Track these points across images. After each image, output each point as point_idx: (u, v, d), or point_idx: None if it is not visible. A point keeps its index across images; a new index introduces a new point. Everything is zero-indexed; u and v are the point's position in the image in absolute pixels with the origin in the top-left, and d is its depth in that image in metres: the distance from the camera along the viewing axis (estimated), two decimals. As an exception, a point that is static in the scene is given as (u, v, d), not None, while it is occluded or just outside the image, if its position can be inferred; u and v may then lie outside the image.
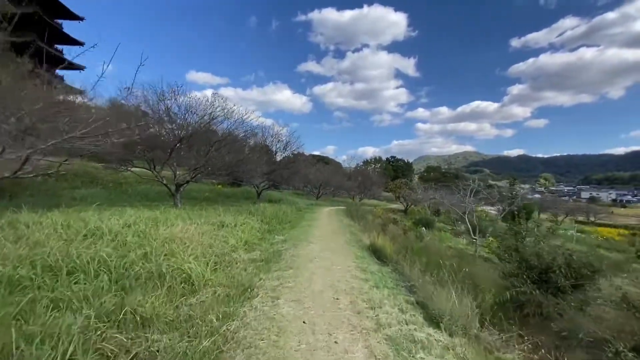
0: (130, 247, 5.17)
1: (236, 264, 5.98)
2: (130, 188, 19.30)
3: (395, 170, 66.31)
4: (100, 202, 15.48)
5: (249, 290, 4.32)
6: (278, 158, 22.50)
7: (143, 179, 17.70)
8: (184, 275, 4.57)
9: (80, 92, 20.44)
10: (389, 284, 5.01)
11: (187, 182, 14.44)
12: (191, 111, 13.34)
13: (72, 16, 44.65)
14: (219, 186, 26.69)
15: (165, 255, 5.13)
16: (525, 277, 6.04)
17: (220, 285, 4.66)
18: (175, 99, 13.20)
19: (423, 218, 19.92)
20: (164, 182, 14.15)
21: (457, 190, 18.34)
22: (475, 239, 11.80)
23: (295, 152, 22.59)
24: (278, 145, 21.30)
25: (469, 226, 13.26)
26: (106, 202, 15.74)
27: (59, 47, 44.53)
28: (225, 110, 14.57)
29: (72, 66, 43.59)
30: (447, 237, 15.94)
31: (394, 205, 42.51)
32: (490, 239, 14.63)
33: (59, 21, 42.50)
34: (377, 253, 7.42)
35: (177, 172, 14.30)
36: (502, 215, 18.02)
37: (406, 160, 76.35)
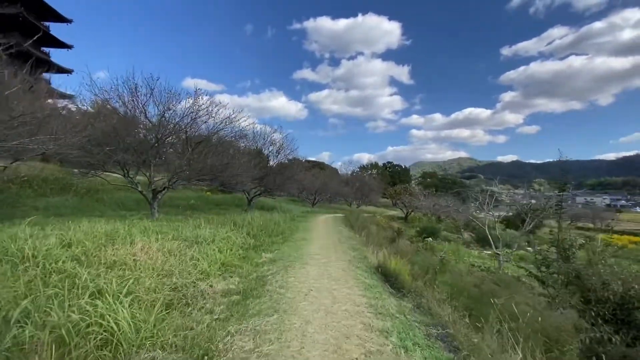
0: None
1: (202, 300, 4.34)
2: (106, 196, 17.48)
3: (392, 175, 65.00)
4: (65, 212, 13.76)
5: (205, 361, 2.71)
6: (271, 163, 20.89)
7: (120, 186, 15.93)
8: (105, 333, 2.92)
9: (66, 96, 18.66)
10: (419, 338, 3.40)
11: (165, 188, 12.72)
12: (170, 108, 11.71)
13: (60, 18, 43.05)
14: (208, 193, 24.93)
15: (90, 296, 3.48)
16: (595, 314, 4.46)
17: (165, 346, 3.01)
18: (152, 95, 11.58)
19: (428, 227, 18.40)
20: (139, 189, 12.42)
21: (468, 197, 16.87)
22: (499, 254, 10.23)
23: (290, 158, 21.00)
24: (271, 149, 19.70)
25: (490, 238, 11.70)
26: (73, 212, 13.96)
27: (46, 49, 42.86)
28: (209, 110, 12.98)
29: (61, 70, 41.95)
30: (462, 251, 14.33)
31: (392, 212, 40.98)
32: (515, 253, 13.14)
33: (47, 24, 40.94)
34: (389, 278, 5.81)
35: (154, 178, 12.58)
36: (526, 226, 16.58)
37: (403, 166, 75.23)
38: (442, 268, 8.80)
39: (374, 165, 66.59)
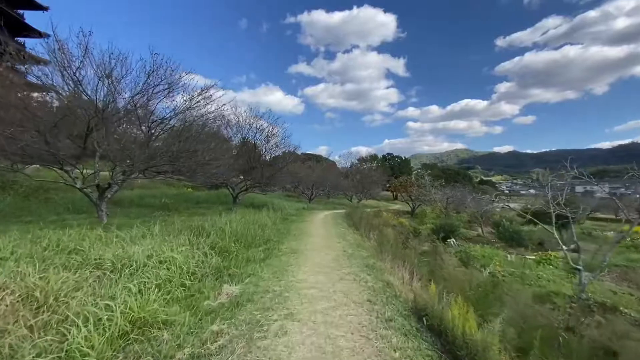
0: None
1: None
2: (58, 195, 14.46)
3: (392, 167, 62.22)
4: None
5: None
6: (263, 153, 17.89)
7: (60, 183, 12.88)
8: None
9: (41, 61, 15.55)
10: None
11: (110, 184, 9.73)
12: (111, 76, 8.65)
13: (35, 6, 39.31)
14: (189, 189, 21.91)
15: None
16: None
17: None
18: (87, 57, 8.50)
19: (445, 223, 15.60)
20: (78, 185, 9.43)
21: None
22: (580, 269, 7.37)
23: (283, 149, 17.97)
24: (258, 137, 16.68)
25: (576, 240, 8.78)
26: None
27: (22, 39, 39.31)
28: (171, 82, 9.96)
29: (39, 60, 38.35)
30: (500, 257, 11.38)
31: (396, 206, 38.22)
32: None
33: (20, 11, 37.31)
34: (439, 332, 2.99)
35: (98, 170, 9.58)
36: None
37: (403, 157, 72.32)
38: (495, 292, 5.97)
39: (373, 157, 63.63)
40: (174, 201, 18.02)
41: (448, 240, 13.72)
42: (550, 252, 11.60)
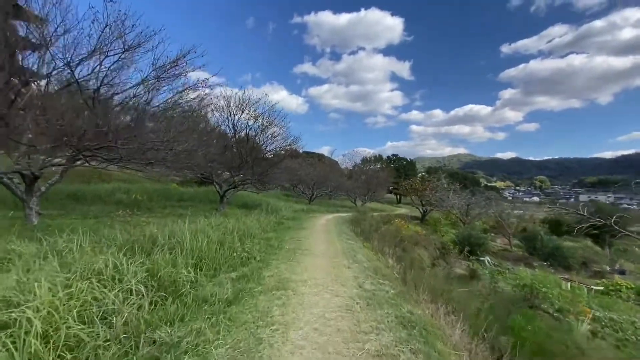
0: None
1: None
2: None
3: (397, 169, 59.62)
4: None
5: None
6: (261, 146, 15.36)
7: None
8: None
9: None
10: None
11: (36, 175, 7.22)
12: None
13: None
14: (175, 185, 19.39)
15: None
16: None
17: None
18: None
19: (470, 235, 13.01)
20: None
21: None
22: None
23: (281, 142, 15.36)
24: (252, 127, 14.15)
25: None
26: None
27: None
28: (132, 43, 7.48)
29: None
30: (557, 285, 8.79)
31: (401, 210, 35.64)
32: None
33: None
34: None
35: (21, 153, 7.06)
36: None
37: (409, 159, 69.71)
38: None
39: (377, 158, 61.00)
40: (152, 198, 15.53)
41: (479, 257, 11.17)
42: (618, 280, 9.03)
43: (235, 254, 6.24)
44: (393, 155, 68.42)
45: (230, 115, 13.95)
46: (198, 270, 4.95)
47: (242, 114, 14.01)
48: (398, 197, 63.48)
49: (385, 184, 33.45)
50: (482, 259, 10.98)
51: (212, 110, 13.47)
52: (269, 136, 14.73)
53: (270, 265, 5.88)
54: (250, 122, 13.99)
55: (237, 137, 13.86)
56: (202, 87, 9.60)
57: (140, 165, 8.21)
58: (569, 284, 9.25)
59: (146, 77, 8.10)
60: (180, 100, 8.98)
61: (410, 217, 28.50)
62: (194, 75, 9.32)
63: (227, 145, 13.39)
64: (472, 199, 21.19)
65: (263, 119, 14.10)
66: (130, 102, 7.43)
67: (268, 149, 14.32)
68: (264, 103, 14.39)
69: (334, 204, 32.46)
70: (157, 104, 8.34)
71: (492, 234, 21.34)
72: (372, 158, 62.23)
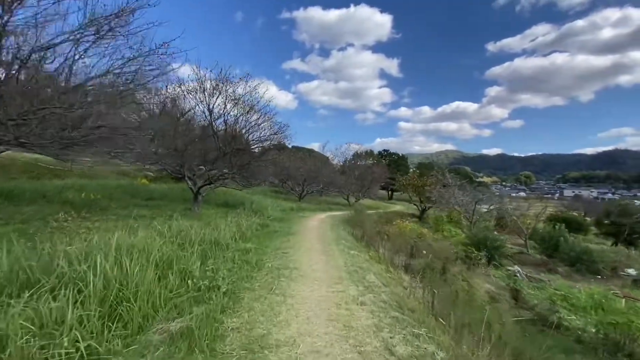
0: None
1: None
2: None
3: (388, 165, 58.09)
4: None
5: None
6: (239, 135, 13.11)
7: None
8: None
9: None
10: None
11: None
12: None
13: None
14: (144, 181, 16.93)
15: None
16: None
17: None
18: None
19: (486, 238, 11.24)
20: None
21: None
22: None
23: (266, 131, 13.12)
24: (228, 110, 11.91)
25: None
26: None
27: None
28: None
29: None
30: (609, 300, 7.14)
31: (396, 207, 33.99)
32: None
33: None
34: None
35: None
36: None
37: (400, 154, 68.29)
38: None
39: (369, 154, 59.23)
40: (113, 196, 13.12)
41: (498, 264, 9.44)
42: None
43: (189, 282, 4.16)
44: (384, 150, 66.91)
45: (205, 97, 11.68)
46: (110, 324, 2.85)
47: (218, 97, 11.75)
48: (390, 193, 62.05)
49: (381, 180, 31.64)
50: (510, 269, 9.26)
51: (185, 92, 11.21)
52: (252, 124, 12.52)
53: (241, 301, 3.82)
54: (230, 107, 11.76)
55: (213, 124, 11.63)
56: (160, 55, 7.31)
57: (56, 148, 5.94)
58: (623, 300, 7.56)
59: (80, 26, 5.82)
60: (126, 70, 6.68)
61: (407, 214, 26.81)
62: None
63: (202, 135, 11.15)
64: (481, 195, 19.61)
65: (245, 103, 11.89)
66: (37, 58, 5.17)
67: (251, 138, 12.11)
68: (249, 89, 12.14)
69: (326, 201, 30.44)
70: (89, 72, 6.05)
71: (496, 233, 19.80)
72: (364, 153, 60.49)
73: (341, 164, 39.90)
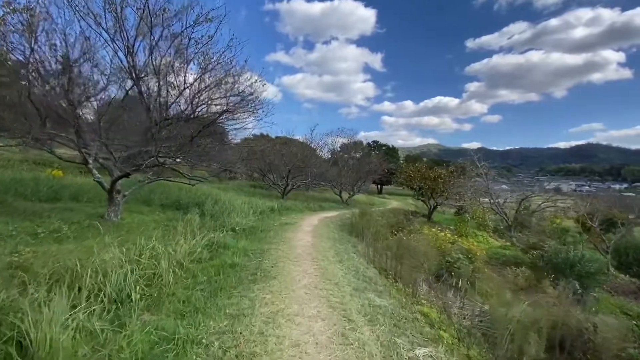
0: None
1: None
2: None
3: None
4: None
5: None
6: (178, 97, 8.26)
7: None
8: None
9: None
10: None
11: None
12: None
13: None
14: (56, 171, 11.81)
15: None
16: None
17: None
18: None
19: (575, 257, 7.23)
20: None
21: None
22: None
23: (227, 92, 8.31)
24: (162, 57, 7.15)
25: None
26: None
27: None
28: None
29: None
30: None
31: (394, 203, 30.09)
32: None
33: None
34: None
35: None
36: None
37: (390, 146, 64.43)
38: None
39: (358, 144, 54.97)
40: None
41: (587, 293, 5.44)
42: None
43: None
44: (374, 142, 62.79)
45: (123, 32, 6.86)
46: None
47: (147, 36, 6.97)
48: (379, 187, 58.25)
49: (379, 171, 27.52)
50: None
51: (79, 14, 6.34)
52: (208, 84, 7.75)
53: None
54: (165, 47, 7.02)
55: (135, 74, 6.84)
56: None
57: None
58: None
59: None
60: None
61: (407, 212, 22.84)
62: None
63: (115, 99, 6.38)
64: (528, 189, 15.84)
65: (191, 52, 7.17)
66: None
67: (195, 102, 7.33)
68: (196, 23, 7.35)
69: (314, 197, 25.91)
70: None
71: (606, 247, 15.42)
72: (352, 144, 56.21)
73: (329, 155, 35.34)
